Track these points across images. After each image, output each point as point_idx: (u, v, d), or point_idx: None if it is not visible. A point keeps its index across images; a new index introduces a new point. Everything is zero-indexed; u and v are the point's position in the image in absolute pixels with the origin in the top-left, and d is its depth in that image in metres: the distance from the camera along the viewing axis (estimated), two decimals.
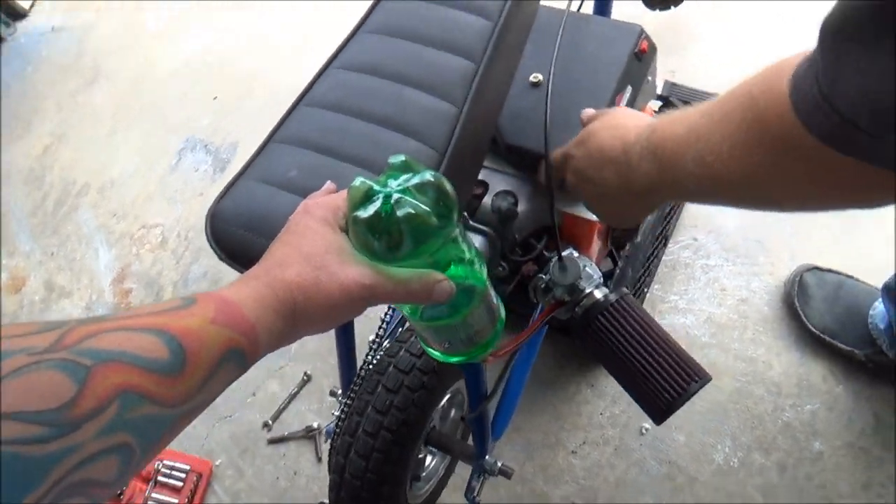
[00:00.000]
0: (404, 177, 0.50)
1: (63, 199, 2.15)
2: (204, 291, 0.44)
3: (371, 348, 1.05)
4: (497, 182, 0.95)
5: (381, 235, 0.48)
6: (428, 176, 0.51)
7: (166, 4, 2.37)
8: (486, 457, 1.10)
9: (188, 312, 0.40)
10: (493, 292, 0.65)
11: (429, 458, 1.26)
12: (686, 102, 1.26)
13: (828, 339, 1.36)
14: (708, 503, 1.31)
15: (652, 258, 1.44)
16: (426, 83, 0.67)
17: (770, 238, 1.51)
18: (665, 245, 1.53)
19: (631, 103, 0.93)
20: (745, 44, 1.76)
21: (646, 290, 1.49)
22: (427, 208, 0.49)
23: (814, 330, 1.37)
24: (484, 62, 0.68)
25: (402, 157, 0.51)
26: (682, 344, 1.42)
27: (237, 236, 0.64)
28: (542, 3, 0.94)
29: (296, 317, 0.46)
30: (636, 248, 1.23)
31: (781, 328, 1.42)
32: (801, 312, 1.39)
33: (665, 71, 1.75)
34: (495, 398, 1.18)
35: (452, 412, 1.23)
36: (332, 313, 0.47)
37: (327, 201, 0.52)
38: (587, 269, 0.93)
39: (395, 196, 0.49)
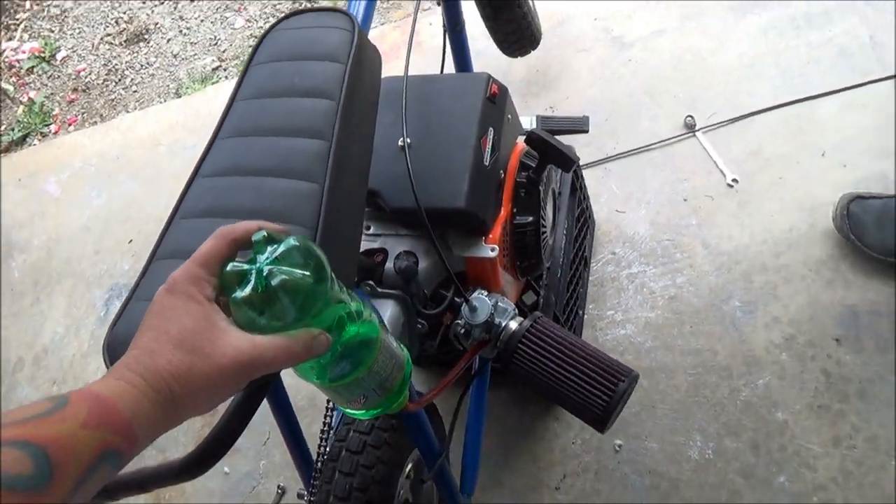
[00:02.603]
0: (270, 249, 0.52)
1: None
2: (78, 389, 0.42)
3: (321, 438, 1.04)
4: (394, 245, 0.99)
5: (263, 310, 0.50)
6: (292, 241, 0.53)
7: (65, 169, 2.40)
8: None
9: (59, 417, 0.39)
10: (390, 338, 0.67)
11: None
12: (557, 132, 1.34)
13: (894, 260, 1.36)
14: (697, 503, 1.31)
15: (577, 281, 1.49)
16: (284, 169, 0.71)
17: (680, 234, 1.58)
18: (587, 266, 1.58)
19: (496, 143, 0.99)
20: (609, 65, 1.88)
21: (580, 312, 1.52)
22: (299, 272, 0.52)
23: (879, 256, 1.37)
24: (335, 137, 0.73)
25: (263, 233, 0.53)
26: (629, 353, 1.47)
27: None
28: (391, 74, 1.00)
29: (176, 404, 0.44)
30: (553, 274, 1.27)
31: (714, 314, 1.47)
32: (860, 244, 1.39)
33: (544, 108, 1.85)
34: (458, 456, 1.18)
35: (423, 482, 1.22)
36: (214, 395, 0.47)
37: (186, 275, 0.50)
38: (500, 304, 0.96)
39: (266, 269, 0.51)
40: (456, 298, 0.98)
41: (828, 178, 1.52)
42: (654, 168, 1.68)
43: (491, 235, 0.98)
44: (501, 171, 1.02)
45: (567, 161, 0.99)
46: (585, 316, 1.55)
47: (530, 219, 1.03)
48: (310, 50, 0.79)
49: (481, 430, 1.19)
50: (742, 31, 1.81)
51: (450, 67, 1.45)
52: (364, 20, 0.91)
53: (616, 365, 0.87)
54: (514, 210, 1.03)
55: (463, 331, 0.94)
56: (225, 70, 2.45)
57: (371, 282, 0.96)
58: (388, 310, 0.94)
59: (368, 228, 1.03)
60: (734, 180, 1.59)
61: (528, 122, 1.39)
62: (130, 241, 2.15)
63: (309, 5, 2.35)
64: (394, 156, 0.97)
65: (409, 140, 0.99)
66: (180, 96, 2.41)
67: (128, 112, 2.47)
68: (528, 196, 1.04)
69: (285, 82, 0.78)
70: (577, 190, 1.46)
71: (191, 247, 0.70)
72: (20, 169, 2.47)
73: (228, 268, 0.52)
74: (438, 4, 1.33)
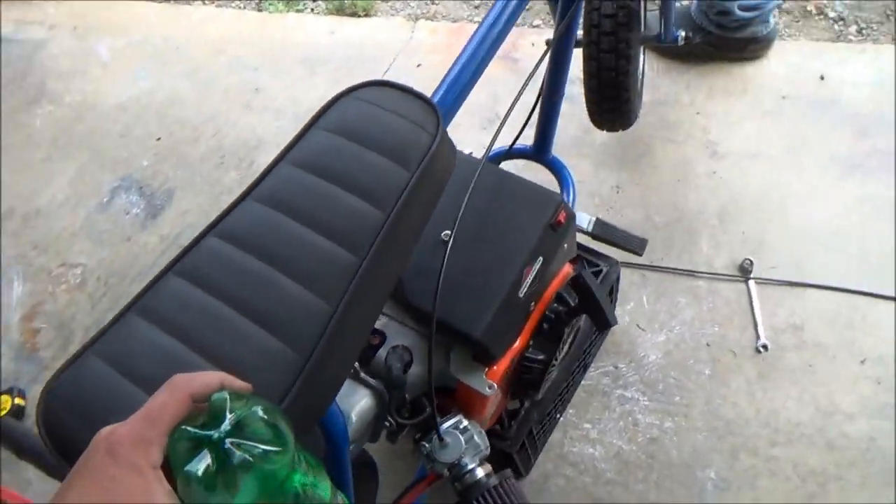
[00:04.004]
0: (231, 416, 0.47)
1: None
2: None
3: None
4: (395, 334, 0.91)
5: (215, 488, 0.45)
6: (256, 410, 0.48)
7: (124, 36, 2.30)
8: None
9: None
10: (339, 499, 0.62)
11: None
12: (610, 242, 1.25)
13: None
14: None
15: (569, 385, 1.41)
16: (301, 272, 0.63)
17: (688, 378, 1.50)
18: (584, 371, 1.50)
19: (540, 275, 0.90)
20: (693, 169, 1.77)
21: (558, 415, 1.46)
22: (261, 449, 0.46)
23: None
24: (370, 257, 0.65)
25: (224, 394, 0.48)
26: (587, 475, 1.41)
27: (69, 428, 0.58)
28: (467, 151, 0.91)
29: None
30: (541, 405, 1.20)
31: (686, 476, 1.40)
32: None
33: (611, 185, 1.75)
34: None
35: None
36: None
37: (132, 436, 0.44)
38: (474, 439, 0.90)
39: (226, 441, 0.45)
40: (434, 416, 0.91)
41: (856, 389, 1.43)
42: (693, 298, 1.59)
43: (495, 369, 0.90)
44: (533, 303, 0.93)
45: (604, 321, 0.91)
46: (561, 419, 1.49)
47: (541, 357, 0.95)
48: (380, 139, 0.70)
49: None
50: (839, 190, 1.68)
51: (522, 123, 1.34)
52: (448, 111, 0.81)
53: None
54: (531, 343, 0.95)
55: (426, 454, 0.88)
56: (314, 2, 2.32)
57: (357, 363, 0.90)
58: (363, 400, 0.87)
59: None
60: (764, 346, 1.50)
61: (585, 220, 1.30)
62: (159, 139, 2.07)
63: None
64: (433, 246, 0.88)
65: (453, 236, 0.90)
66: (260, 10, 2.29)
67: (204, 4, 2.35)
68: (549, 332, 0.96)
69: (340, 166, 0.69)
70: (612, 292, 1.37)
71: (171, 315, 0.63)
72: (81, 18, 2.38)
73: (181, 433, 0.46)
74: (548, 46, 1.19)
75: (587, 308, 0.93)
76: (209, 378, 0.48)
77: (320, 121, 0.73)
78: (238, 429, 0.46)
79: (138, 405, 0.47)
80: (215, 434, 0.46)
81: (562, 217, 0.91)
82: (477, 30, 0.85)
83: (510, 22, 0.87)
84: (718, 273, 1.60)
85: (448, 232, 0.90)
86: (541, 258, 0.90)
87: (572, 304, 0.94)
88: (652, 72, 1.94)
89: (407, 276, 0.90)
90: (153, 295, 0.65)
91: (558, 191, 1.38)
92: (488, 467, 0.88)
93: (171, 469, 0.46)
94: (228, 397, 0.48)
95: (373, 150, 0.69)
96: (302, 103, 2.05)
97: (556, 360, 0.99)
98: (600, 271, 1.28)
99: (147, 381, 0.59)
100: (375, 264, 0.65)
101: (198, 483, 0.45)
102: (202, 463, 0.45)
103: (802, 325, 1.52)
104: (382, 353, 0.90)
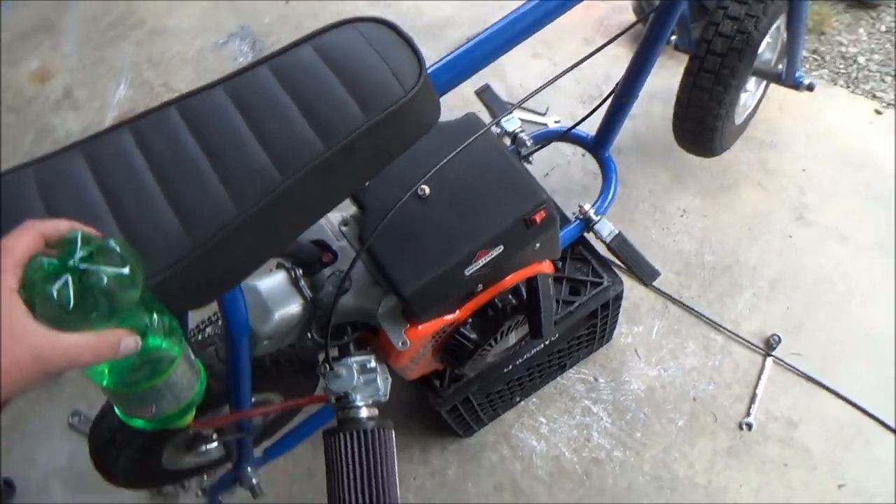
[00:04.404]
0: (84, 249, 0.52)
1: (118, 24, 2.22)
2: None
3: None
4: (345, 259, 0.94)
5: (70, 306, 0.49)
6: (108, 242, 0.53)
7: None
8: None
9: None
10: (191, 355, 0.68)
11: None
12: (623, 261, 1.21)
13: None
14: None
15: (537, 375, 1.41)
16: (223, 168, 0.67)
17: (659, 421, 1.45)
18: (561, 370, 1.49)
19: (495, 264, 0.90)
20: (769, 222, 1.64)
21: (518, 398, 1.46)
22: (113, 269, 0.51)
23: None
24: (287, 185, 0.66)
25: (77, 233, 0.52)
26: (519, 463, 1.42)
27: None
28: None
29: None
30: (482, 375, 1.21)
31: None
32: None
33: (677, 206, 1.65)
34: None
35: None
36: (10, 386, 0.47)
37: None
38: (377, 381, 0.93)
39: (80, 265, 0.50)
40: (350, 345, 0.94)
41: None
42: (703, 349, 1.51)
43: (419, 329, 0.92)
44: (482, 286, 0.93)
45: (536, 331, 0.90)
46: (522, 403, 1.49)
47: (473, 337, 0.96)
48: (353, 76, 0.70)
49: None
50: None
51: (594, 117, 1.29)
52: (443, 82, 0.80)
53: None
54: (469, 321, 0.96)
55: (320, 377, 0.92)
56: None
57: (300, 269, 0.94)
58: (291, 305, 0.92)
59: (346, 224, 0.98)
60: (749, 425, 1.42)
61: (607, 230, 1.25)
62: (289, 1, 2.14)
63: None
64: (406, 189, 0.88)
65: (427, 191, 0.91)
66: None
67: None
68: (491, 319, 0.96)
69: (307, 89, 0.70)
70: (607, 308, 1.32)
71: (110, 168, 0.68)
72: None
73: (36, 262, 0.51)
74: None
75: (527, 310, 0.92)
76: (60, 222, 0.53)
77: (315, 39, 0.74)
78: (91, 258, 0.51)
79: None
80: (70, 261, 0.50)
81: (538, 216, 0.88)
82: (507, 16, 0.82)
83: (546, 18, 0.83)
84: (741, 336, 1.51)
85: (425, 187, 0.91)
86: (501, 247, 0.89)
87: (518, 302, 0.93)
88: (780, 111, 1.79)
89: (372, 213, 0.92)
90: (103, 143, 0.70)
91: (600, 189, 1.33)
92: (374, 412, 0.92)
93: (27, 300, 0.49)
94: (80, 235, 0.52)
95: (343, 85, 0.70)
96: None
97: (490, 345, 0.99)
98: (600, 284, 1.25)
99: (55, 216, 0.64)
100: (297, 191, 0.68)
101: (53, 301, 0.49)
102: (57, 285, 0.49)
103: (798, 422, 1.42)
104: (328, 272, 0.94)
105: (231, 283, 0.74)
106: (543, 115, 1.84)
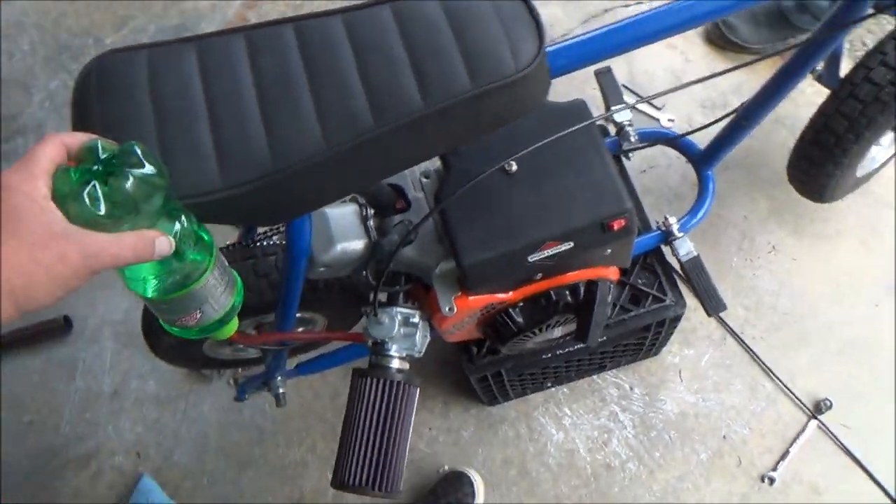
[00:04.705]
0: (106, 155, 0.54)
1: None
2: None
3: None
4: (418, 214, 0.94)
5: (103, 207, 0.52)
6: (131, 146, 0.54)
7: None
8: None
9: None
10: (224, 261, 0.70)
11: None
12: (692, 285, 1.17)
13: None
14: None
15: (575, 366, 1.40)
16: (322, 103, 0.67)
17: (683, 447, 1.43)
18: (600, 370, 1.47)
19: (559, 258, 0.88)
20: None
21: (549, 384, 1.46)
22: (139, 172, 0.53)
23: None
24: (380, 133, 0.67)
25: (98, 142, 0.54)
26: (531, 447, 1.43)
27: (90, 100, 0.67)
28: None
29: (17, 302, 0.47)
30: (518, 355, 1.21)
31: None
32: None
33: (766, 241, 1.58)
34: None
35: None
36: (59, 290, 0.49)
37: (19, 176, 0.50)
38: (416, 336, 0.95)
39: (108, 171, 0.53)
40: (400, 294, 0.96)
41: None
42: (749, 391, 1.47)
43: (469, 300, 0.92)
44: (541, 274, 0.92)
45: (582, 334, 0.89)
46: (553, 389, 1.49)
47: (519, 321, 0.95)
48: (471, 38, 0.68)
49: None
50: None
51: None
52: (558, 67, 0.76)
53: (394, 478, 0.87)
54: (520, 305, 0.95)
55: (364, 319, 0.94)
56: None
57: (373, 210, 0.95)
58: (355, 241, 0.93)
59: (427, 177, 0.98)
60: (771, 479, 1.38)
61: (685, 249, 1.21)
62: None
63: None
64: (494, 160, 0.87)
65: (514, 167, 0.89)
66: None
67: None
68: (541, 310, 0.95)
69: (422, 41, 0.69)
70: (663, 326, 1.29)
71: (215, 73, 0.69)
72: None
73: (63, 170, 0.52)
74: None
75: (580, 312, 0.90)
76: (79, 134, 0.55)
77: None
78: (117, 160, 0.53)
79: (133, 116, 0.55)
80: (95, 166, 0.52)
81: (617, 224, 0.86)
82: (649, 11, 0.77)
83: (692, 22, 0.77)
84: (791, 391, 1.45)
85: (513, 163, 0.90)
86: (571, 243, 0.87)
87: (574, 303, 0.92)
88: None
89: (455, 175, 0.91)
90: (216, 44, 0.71)
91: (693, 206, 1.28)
92: (406, 365, 0.93)
93: (59, 207, 0.51)
94: (100, 143, 0.54)
95: (458, 48, 0.68)
96: None
97: (534, 333, 0.99)
98: (662, 301, 1.21)
99: (155, 102, 0.67)
100: (386, 141, 0.68)
101: (86, 208, 0.51)
102: (87, 189, 0.51)
103: (823, 492, 1.37)
104: (397, 219, 0.95)
105: (302, 212, 0.76)
106: (659, 109, 1.76)
